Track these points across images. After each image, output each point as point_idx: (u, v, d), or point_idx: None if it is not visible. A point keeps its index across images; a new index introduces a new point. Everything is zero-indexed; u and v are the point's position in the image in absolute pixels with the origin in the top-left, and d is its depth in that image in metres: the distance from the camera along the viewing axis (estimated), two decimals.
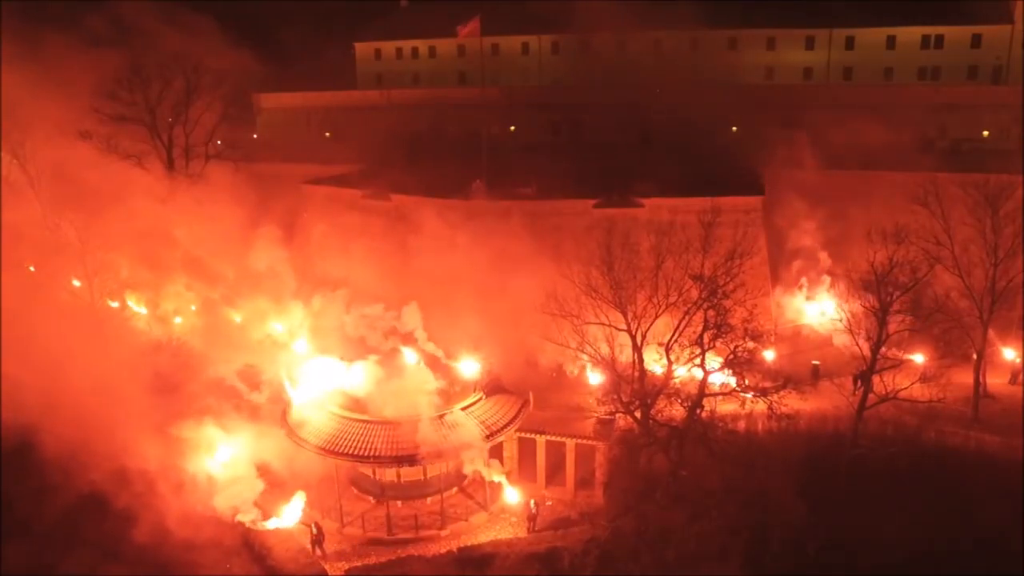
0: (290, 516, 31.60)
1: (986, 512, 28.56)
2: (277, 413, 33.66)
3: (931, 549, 27.34)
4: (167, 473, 29.42)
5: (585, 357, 34.74)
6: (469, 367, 35.78)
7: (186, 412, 31.07)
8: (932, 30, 60.72)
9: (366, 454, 31.21)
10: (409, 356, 35.73)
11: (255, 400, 33.49)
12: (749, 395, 31.62)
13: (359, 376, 33.90)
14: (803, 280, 47.66)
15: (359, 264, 35.77)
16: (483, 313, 35.82)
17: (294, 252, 37.90)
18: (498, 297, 36.52)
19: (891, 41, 61.95)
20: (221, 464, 31.33)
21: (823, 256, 47.08)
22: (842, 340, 37.40)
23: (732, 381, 31.95)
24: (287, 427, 32.85)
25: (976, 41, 59.84)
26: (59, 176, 39.00)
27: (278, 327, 39.08)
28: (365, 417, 32.56)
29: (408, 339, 35.07)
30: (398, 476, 33.21)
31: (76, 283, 40.96)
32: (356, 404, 33.69)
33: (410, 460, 31.20)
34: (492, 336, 35.89)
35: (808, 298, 47.57)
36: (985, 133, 55.05)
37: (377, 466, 32.11)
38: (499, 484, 33.13)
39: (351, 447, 31.38)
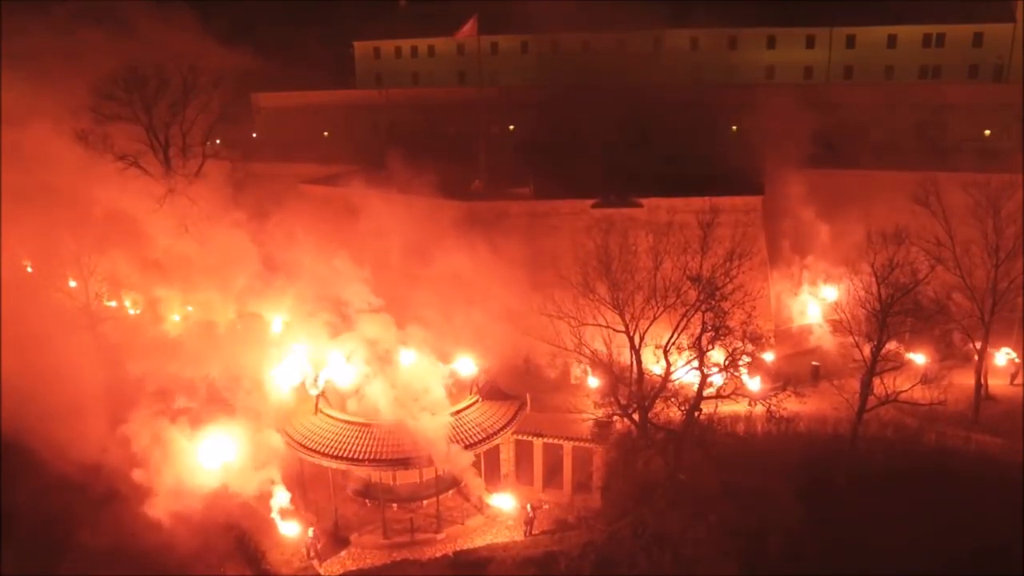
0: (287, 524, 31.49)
1: (987, 515, 28.32)
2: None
3: (931, 552, 27.08)
4: (158, 475, 29.21)
5: (583, 360, 34.50)
6: (465, 368, 35.53)
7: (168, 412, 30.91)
8: (933, 29, 60.30)
9: (350, 456, 31.07)
10: (406, 356, 35.53)
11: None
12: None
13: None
14: (804, 275, 47.55)
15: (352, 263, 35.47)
16: (480, 315, 35.59)
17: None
18: (496, 298, 36.32)
19: (892, 40, 61.55)
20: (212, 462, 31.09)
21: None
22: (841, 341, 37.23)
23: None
24: (280, 430, 32.70)
25: (978, 40, 59.40)
26: (55, 174, 38.70)
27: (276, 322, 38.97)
28: (352, 418, 32.36)
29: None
30: (393, 478, 33.00)
31: (72, 283, 40.77)
32: (345, 404, 33.59)
33: (399, 464, 31.04)
34: (489, 337, 35.67)
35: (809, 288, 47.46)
36: (987, 132, 54.68)
37: (371, 469, 31.91)
38: (492, 489, 32.98)
39: (335, 449, 31.29)
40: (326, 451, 31.37)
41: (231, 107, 54.28)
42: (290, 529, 31.03)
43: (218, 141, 51.85)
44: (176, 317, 42.66)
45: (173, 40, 44.83)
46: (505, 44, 71.45)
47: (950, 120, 54.78)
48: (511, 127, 65.96)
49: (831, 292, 46.33)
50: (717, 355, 31.75)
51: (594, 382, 36.13)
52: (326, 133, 74.00)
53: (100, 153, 40.90)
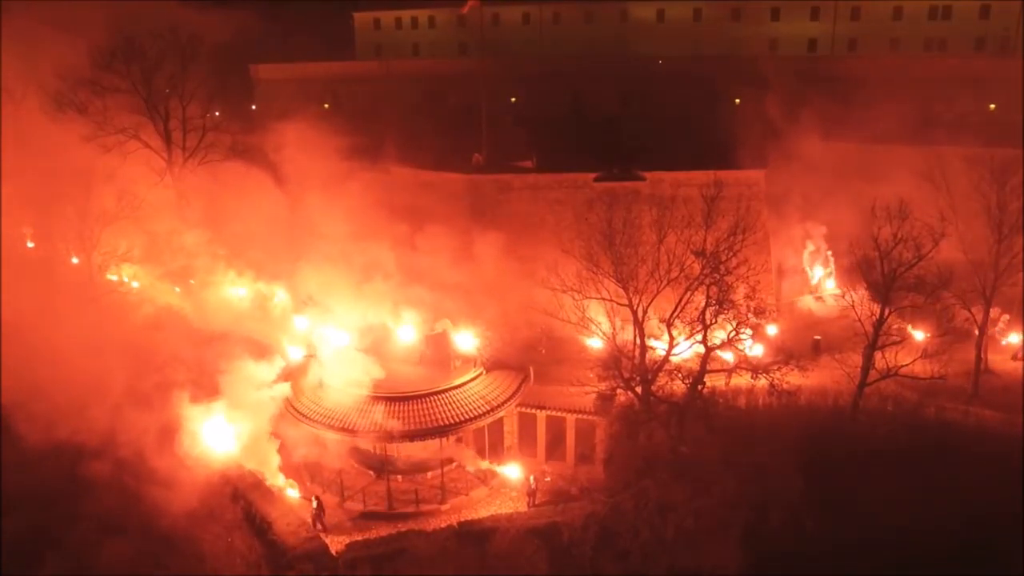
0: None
1: (986, 487, 28.57)
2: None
3: (929, 524, 27.38)
4: (164, 446, 29.40)
5: (586, 332, 34.62)
6: (469, 342, 35.65)
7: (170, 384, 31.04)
8: (940, 1, 59.71)
9: (353, 428, 31.24)
10: (406, 332, 35.68)
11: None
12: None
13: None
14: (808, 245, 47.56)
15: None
16: (485, 287, 35.66)
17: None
18: (500, 271, 36.37)
19: (898, 12, 61.02)
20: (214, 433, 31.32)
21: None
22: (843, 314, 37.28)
23: (731, 357, 31.89)
24: (285, 401, 32.91)
25: (984, 12, 58.87)
26: (55, 149, 38.48)
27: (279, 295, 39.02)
28: (355, 391, 32.52)
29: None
30: (398, 450, 33.25)
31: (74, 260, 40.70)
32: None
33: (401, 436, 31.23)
34: (494, 310, 35.76)
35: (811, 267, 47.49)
36: (992, 106, 54.34)
37: (374, 440, 32.12)
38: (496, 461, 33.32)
39: (339, 421, 31.48)
40: (330, 423, 31.56)
41: (230, 80, 53.74)
42: (296, 500, 31.31)
43: (217, 114, 51.43)
44: (176, 289, 42.83)
45: (171, 8, 44.30)
46: (507, 15, 70.74)
47: (955, 93, 54.40)
48: (512, 99, 65.52)
49: (834, 266, 46.42)
50: (720, 330, 31.89)
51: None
52: (326, 105, 73.45)
53: (99, 125, 40.71)
